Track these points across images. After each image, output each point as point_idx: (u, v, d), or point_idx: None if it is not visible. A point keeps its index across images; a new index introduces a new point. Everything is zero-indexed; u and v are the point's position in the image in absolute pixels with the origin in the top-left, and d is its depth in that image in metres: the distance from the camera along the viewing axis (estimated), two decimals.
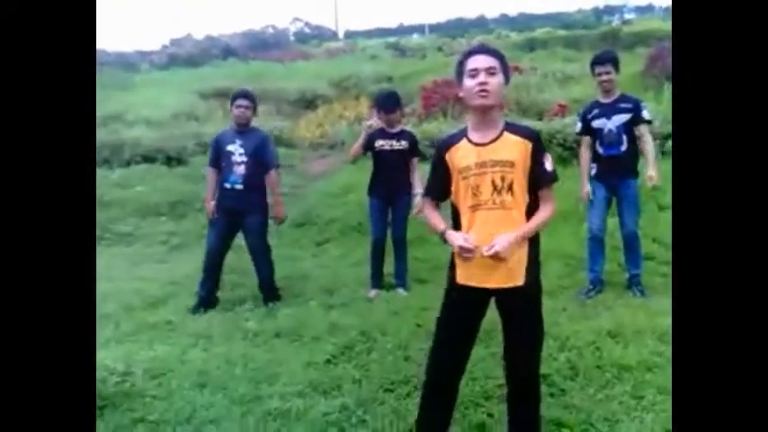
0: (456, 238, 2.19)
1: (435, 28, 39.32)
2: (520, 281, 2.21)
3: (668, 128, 7.59)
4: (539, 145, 2.25)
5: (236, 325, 4.03)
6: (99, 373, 3.08)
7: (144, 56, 27.09)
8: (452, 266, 2.32)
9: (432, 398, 2.39)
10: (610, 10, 37.65)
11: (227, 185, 4.42)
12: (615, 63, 4.33)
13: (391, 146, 4.56)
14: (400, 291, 4.69)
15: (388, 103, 4.62)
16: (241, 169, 4.40)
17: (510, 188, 2.18)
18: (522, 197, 2.21)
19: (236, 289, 4.86)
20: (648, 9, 38.20)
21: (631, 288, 4.44)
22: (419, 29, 39.19)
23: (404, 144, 4.59)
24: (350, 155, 4.94)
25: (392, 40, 29.63)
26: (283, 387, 3.09)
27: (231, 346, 3.66)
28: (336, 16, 70.29)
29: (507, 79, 2.26)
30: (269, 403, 2.93)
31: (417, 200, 4.34)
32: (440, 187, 2.35)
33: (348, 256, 5.70)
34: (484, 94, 2.17)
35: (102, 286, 5.00)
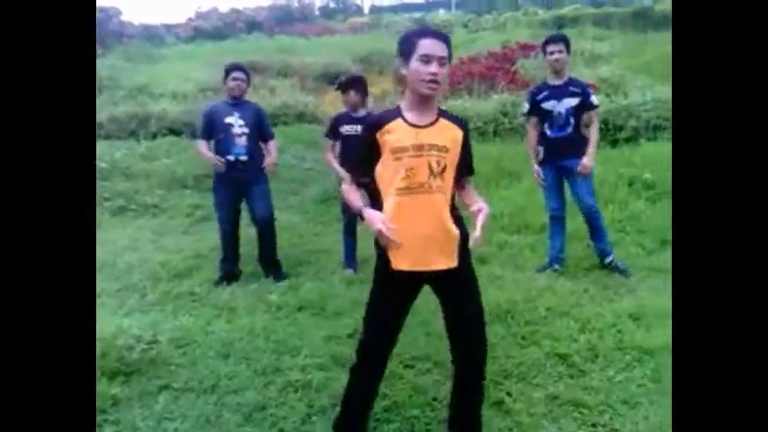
0: (376, 220, 2.11)
1: (461, 4, 38.62)
2: (454, 262, 2.21)
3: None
4: (468, 134, 2.28)
5: (260, 298, 4.09)
6: (126, 341, 3.18)
7: (169, 29, 27.18)
8: (384, 251, 2.24)
9: (363, 379, 2.39)
10: None
11: (231, 157, 4.45)
12: (567, 44, 4.38)
13: (356, 131, 4.49)
14: None
15: (341, 82, 4.69)
16: (243, 140, 4.45)
17: (442, 173, 2.17)
18: (450, 183, 2.21)
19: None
20: None
21: (613, 264, 4.44)
22: (445, 4, 38.54)
23: None
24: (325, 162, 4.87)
25: (418, 15, 29.28)
26: (305, 360, 3.15)
27: (254, 318, 3.73)
28: None
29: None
30: (290, 375, 2.99)
31: None
32: (367, 167, 2.26)
33: (371, 232, 5.72)
34: (434, 86, 2.11)
35: (128, 256, 5.12)
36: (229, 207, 4.58)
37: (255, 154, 4.54)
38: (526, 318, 3.54)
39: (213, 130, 4.52)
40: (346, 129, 4.58)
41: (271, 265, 4.64)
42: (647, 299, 3.81)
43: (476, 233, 2.10)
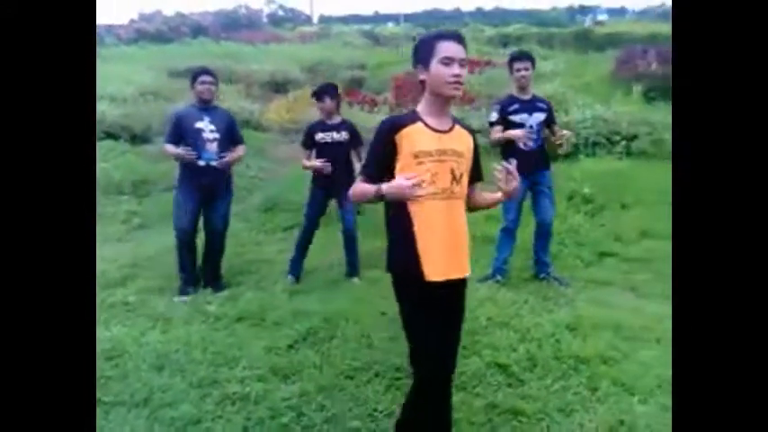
0: (402, 182, 2.02)
1: (410, 18, 39.27)
2: (468, 271, 2.22)
3: (634, 129, 7.76)
4: (476, 141, 2.30)
5: (197, 308, 3.97)
6: None
7: (110, 30, 26.31)
8: (414, 263, 2.10)
9: (435, 405, 2.22)
10: (583, 10, 38.21)
11: (202, 163, 4.30)
12: (533, 61, 4.51)
13: (332, 138, 4.51)
14: (355, 280, 4.65)
15: (316, 90, 4.65)
16: (214, 146, 4.33)
17: (461, 178, 2.16)
18: (465, 189, 2.20)
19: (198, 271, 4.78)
20: (621, 12, 38.81)
21: (548, 278, 4.56)
22: (394, 18, 39.08)
23: (344, 135, 4.54)
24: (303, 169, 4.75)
25: (367, 27, 29.53)
26: (243, 371, 3.07)
27: (191, 328, 3.61)
28: (311, 0, 69.71)
29: None
30: (228, 387, 2.91)
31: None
32: (381, 168, 2.16)
33: (314, 242, 5.67)
34: (458, 87, 2.09)
35: None
36: (193, 213, 4.41)
37: None
38: (467, 327, 3.56)
39: (182, 135, 4.33)
40: (321, 136, 4.53)
41: (213, 276, 4.53)
42: (584, 309, 3.91)
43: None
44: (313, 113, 10.33)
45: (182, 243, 4.42)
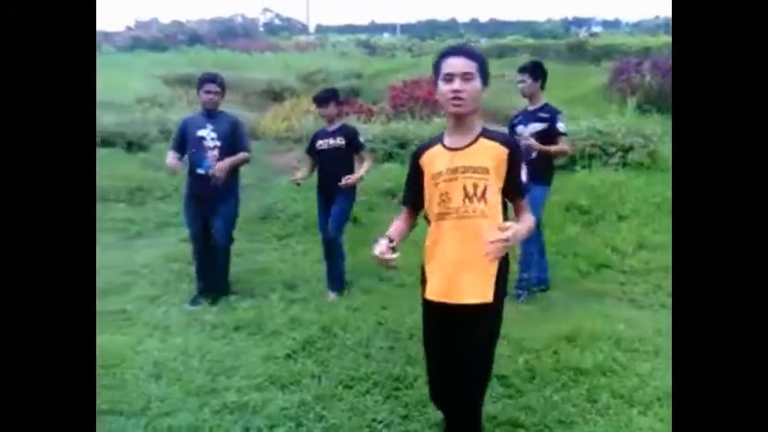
0: (375, 247, 2.05)
1: (406, 28, 39.46)
2: (489, 297, 2.07)
3: (630, 140, 7.81)
4: (516, 154, 2.13)
5: (194, 317, 3.95)
6: None
7: (106, 37, 26.35)
8: (423, 279, 2.20)
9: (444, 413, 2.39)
10: (578, 22, 38.53)
11: (201, 171, 4.24)
12: (533, 72, 4.43)
13: (329, 144, 4.47)
14: (331, 295, 4.44)
15: (320, 95, 4.55)
16: (214, 154, 4.25)
17: (483, 195, 2.04)
18: (496, 206, 2.07)
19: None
20: (615, 24, 39.14)
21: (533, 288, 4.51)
22: (390, 28, 39.25)
23: (340, 141, 4.45)
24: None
25: (363, 37, 29.68)
26: (241, 380, 3.06)
27: (188, 337, 3.59)
28: (308, 10, 69.75)
29: (486, 82, 2.10)
30: (226, 396, 2.90)
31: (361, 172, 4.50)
32: (414, 194, 2.21)
33: (310, 251, 5.65)
34: (457, 102, 2.02)
35: None
36: (198, 223, 4.36)
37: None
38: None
39: (185, 143, 4.28)
40: (320, 143, 4.49)
41: (220, 289, 4.41)
42: (582, 321, 3.91)
43: (489, 241, 1.91)
44: (309, 122, 10.43)
45: (193, 251, 4.46)
